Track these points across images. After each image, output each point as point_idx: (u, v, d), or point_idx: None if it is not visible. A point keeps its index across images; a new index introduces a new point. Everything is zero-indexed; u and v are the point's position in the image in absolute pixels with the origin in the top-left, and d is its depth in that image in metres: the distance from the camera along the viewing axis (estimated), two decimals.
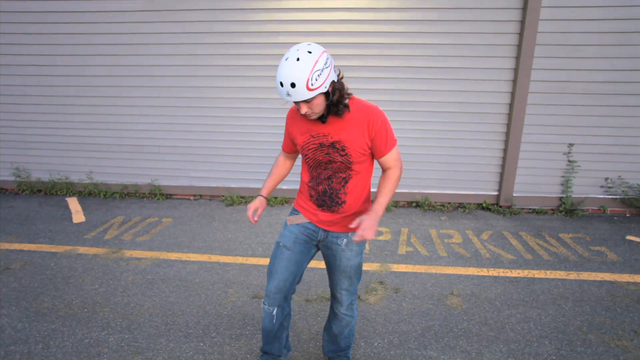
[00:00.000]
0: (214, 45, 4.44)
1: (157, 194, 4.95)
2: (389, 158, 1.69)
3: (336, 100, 1.56)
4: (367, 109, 1.62)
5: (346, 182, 1.71)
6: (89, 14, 4.46)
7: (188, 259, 3.38)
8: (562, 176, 4.41)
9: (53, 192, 5.08)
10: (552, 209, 4.47)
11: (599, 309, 2.66)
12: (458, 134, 4.44)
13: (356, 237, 1.55)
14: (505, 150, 4.42)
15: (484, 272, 3.15)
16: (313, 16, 4.24)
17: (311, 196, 1.80)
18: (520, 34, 4.03)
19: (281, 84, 1.47)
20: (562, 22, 3.96)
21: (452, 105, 4.36)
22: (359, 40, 4.26)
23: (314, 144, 1.67)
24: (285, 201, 4.77)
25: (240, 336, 2.41)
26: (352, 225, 1.60)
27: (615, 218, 4.28)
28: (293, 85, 1.44)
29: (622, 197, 4.35)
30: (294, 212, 1.89)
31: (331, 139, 1.64)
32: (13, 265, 3.27)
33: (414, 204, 4.67)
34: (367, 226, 1.55)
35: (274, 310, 1.85)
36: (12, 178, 5.15)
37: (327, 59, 1.49)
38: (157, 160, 4.92)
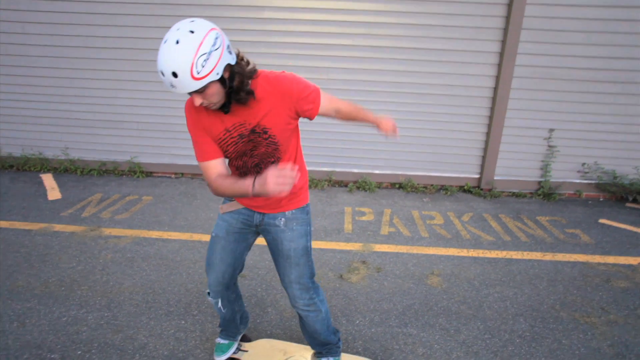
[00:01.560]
0: None
1: (136, 172, 4.82)
2: (326, 108, 1.50)
3: (236, 87, 1.32)
4: (277, 81, 1.40)
5: (275, 164, 1.52)
6: None
7: (169, 238, 3.33)
8: (542, 161, 4.50)
9: (26, 168, 4.88)
10: (530, 193, 4.58)
11: (571, 288, 2.77)
12: (443, 116, 4.46)
13: (396, 135, 1.75)
14: (488, 134, 4.47)
15: (464, 252, 3.23)
16: None
17: None
18: (507, 17, 4.01)
19: (162, 73, 1.21)
20: (549, 7, 3.95)
21: (438, 88, 4.35)
22: (346, 18, 4.16)
23: (231, 137, 1.45)
24: None
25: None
26: (389, 135, 1.74)
27: (590, 202, 4.42)
28: (175, 74, 1.19)
29: (597, 182, 4.48)
30: (227, 199, 1.72)
31: (249, 126, 1.43)
32: None
33: (397, 186, 4.70)
34: (386, 123, 1.71)
35: (218, 302, 1.82)
36: None
37: (217, 38, 1.22)
38: (137, 137, 4.77)
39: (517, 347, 2.21)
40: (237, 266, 1.77)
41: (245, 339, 2.16)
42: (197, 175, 4.87)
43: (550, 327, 2.38)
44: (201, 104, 1.31)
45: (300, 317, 1.82)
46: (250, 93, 1.36)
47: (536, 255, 3.20)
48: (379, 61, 4.30)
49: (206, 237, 3.32)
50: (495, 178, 4.57)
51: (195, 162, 4.77)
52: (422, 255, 3.16)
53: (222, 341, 2.02)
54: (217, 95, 1.30)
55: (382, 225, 3.67)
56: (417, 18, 4.12)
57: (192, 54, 1.18)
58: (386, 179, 4.71)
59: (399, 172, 4.68)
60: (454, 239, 3.45)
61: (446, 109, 4.42)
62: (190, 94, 1.29)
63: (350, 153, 4.66)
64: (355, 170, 4.71)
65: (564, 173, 4.52)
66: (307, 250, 1.69)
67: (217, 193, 1.47)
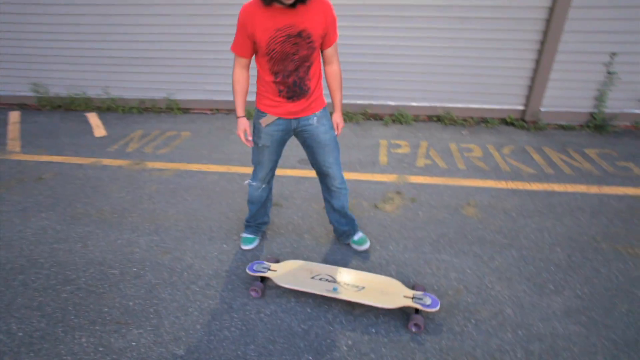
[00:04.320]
0: None
1: (174, 108, 4.93)
2: (334, 49, 1.93)
3: None
4: (324, 3, 1.77)
5: (309, 69, 1.88)
6: None
7: (208, 170, 3.47)
8: (598, 89, 4.12)
9: (72, 107, 5.11)
10: (580, 125, 4.27)
11: (615, 220, 2.66)
12: (488, 42, 4.10)
13: (338, 132, 2.11)
14: (537, 61, 4.10)
15: (502, 184, 3.14)
16: None
17: (280, 91, 1.91)
18: None
19: None
20: None
21: (485, 10, 3.96)
22: None
23: (280, 37, 1.74)
24: None
25: (261, 239, 2.55)
26: (336, 132, 2.10)
27: None
28: None
29: None
30: (261, 114, 2.01)
31: (297, 29, 1.73)
32: (45, 175, 3.43)
33: (434, 118, 4.53)
34: (341, 122, 2.09)
35: (261, 186, 2.27)
36: (32, 94, 5.18)
37: None
38: (172, 73, 4.81)
39: (551, 275, 2.21)
40: (278, 159, 2.20)
41: (274, 260, 2.26)
42: (232, 110, 4.91)
43: (589, 257, 2.33)
44: None
45: (332, 199, 2.26)
46: None
47: (580, 188, 3.06)
48: None
49: (243, 170, 3.43)
50: (541, 109, 4.27)
51: (229, 98, 4.78)
52: (458, 187, 3.11)
53: (247, 235, 2.48)
54: None
55: (418, 158, 3.61)
56: None
57: None
58: (423, 112, 4.54)
59: (437, 105, 4.48)
60: (492, 171, 3.34)
61: (493, 34, 4.06)
62: None
63: (386, 85, 4.47)
64: (392, 103, 4.55)
65: (621, 103, 4.14)
66: (337, 139, 2.13)
67: (232, 78, 1.98)
